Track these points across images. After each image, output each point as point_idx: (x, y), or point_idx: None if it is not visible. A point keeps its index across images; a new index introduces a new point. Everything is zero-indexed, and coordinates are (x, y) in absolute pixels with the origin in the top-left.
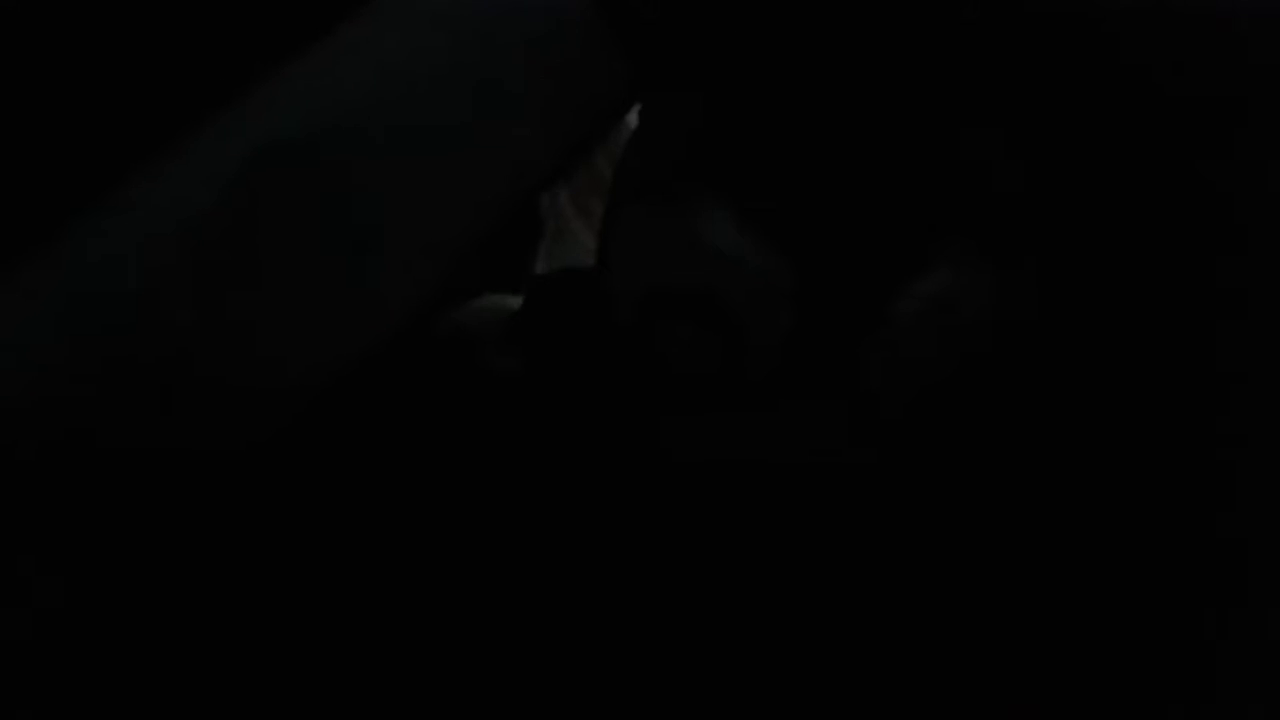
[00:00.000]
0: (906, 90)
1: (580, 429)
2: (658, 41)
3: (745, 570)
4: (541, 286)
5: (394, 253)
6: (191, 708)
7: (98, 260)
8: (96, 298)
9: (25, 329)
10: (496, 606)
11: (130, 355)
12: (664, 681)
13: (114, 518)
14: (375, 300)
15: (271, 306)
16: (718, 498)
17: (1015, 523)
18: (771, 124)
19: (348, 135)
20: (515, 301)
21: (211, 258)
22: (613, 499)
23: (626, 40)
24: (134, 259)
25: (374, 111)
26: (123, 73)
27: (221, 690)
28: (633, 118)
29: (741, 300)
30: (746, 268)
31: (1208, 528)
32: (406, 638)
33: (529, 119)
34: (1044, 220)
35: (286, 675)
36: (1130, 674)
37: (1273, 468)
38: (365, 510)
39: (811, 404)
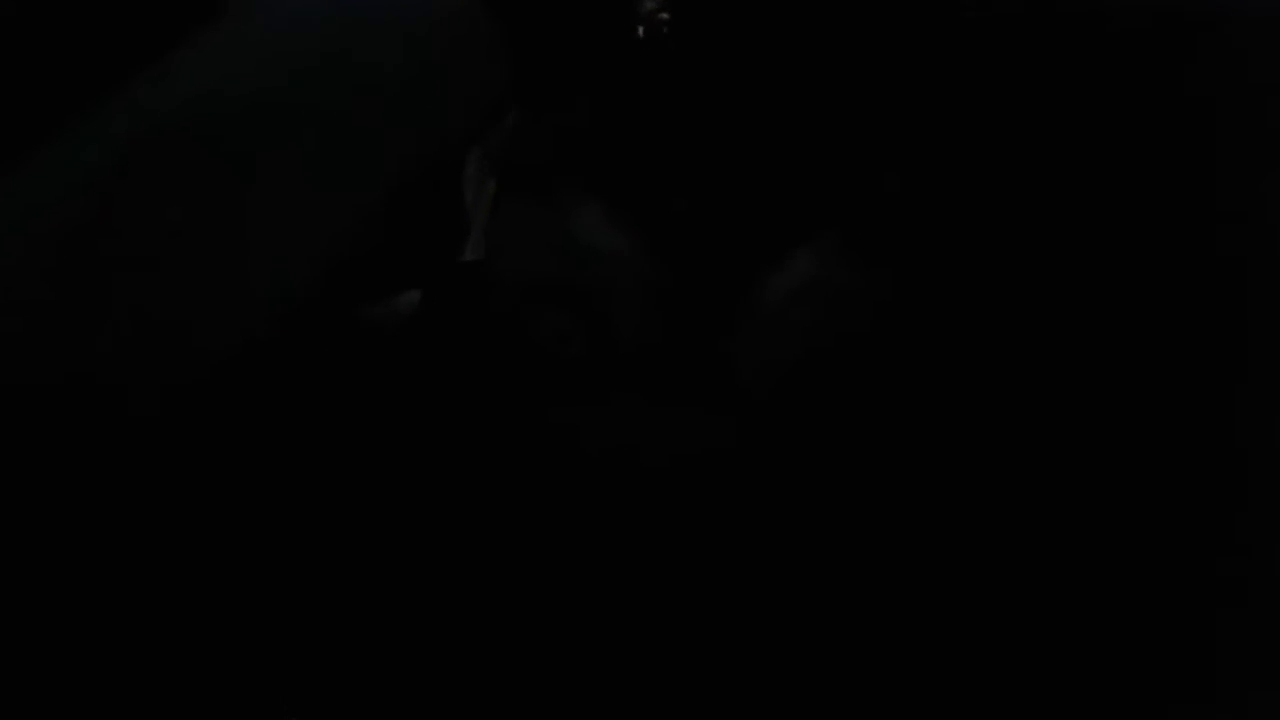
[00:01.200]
0: (778, 93)
1: (469, 417)
2: (538, 37)
3: (621, 550)
4: (436, 279)
5: (267, 243)
6: None
7: None
8: None
9: None
10: (381, 592)
11: None
12: (531, 659)
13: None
14: (247, 290)
15: (141, 297)
16: (595, 481)
17: (881, 504)
18: (641, 121)
19: (221, 123)
20: None
21: (83, 246)
22: (499, 485)
23: (508, 36)
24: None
25: (250, 101)
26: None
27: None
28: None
29: (606, 290)
30: (612, 259)
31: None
32: (295, 625)
33: (408, 113)
34: (917, 219)
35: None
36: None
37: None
38: (255, 500)
39: (680, 390)
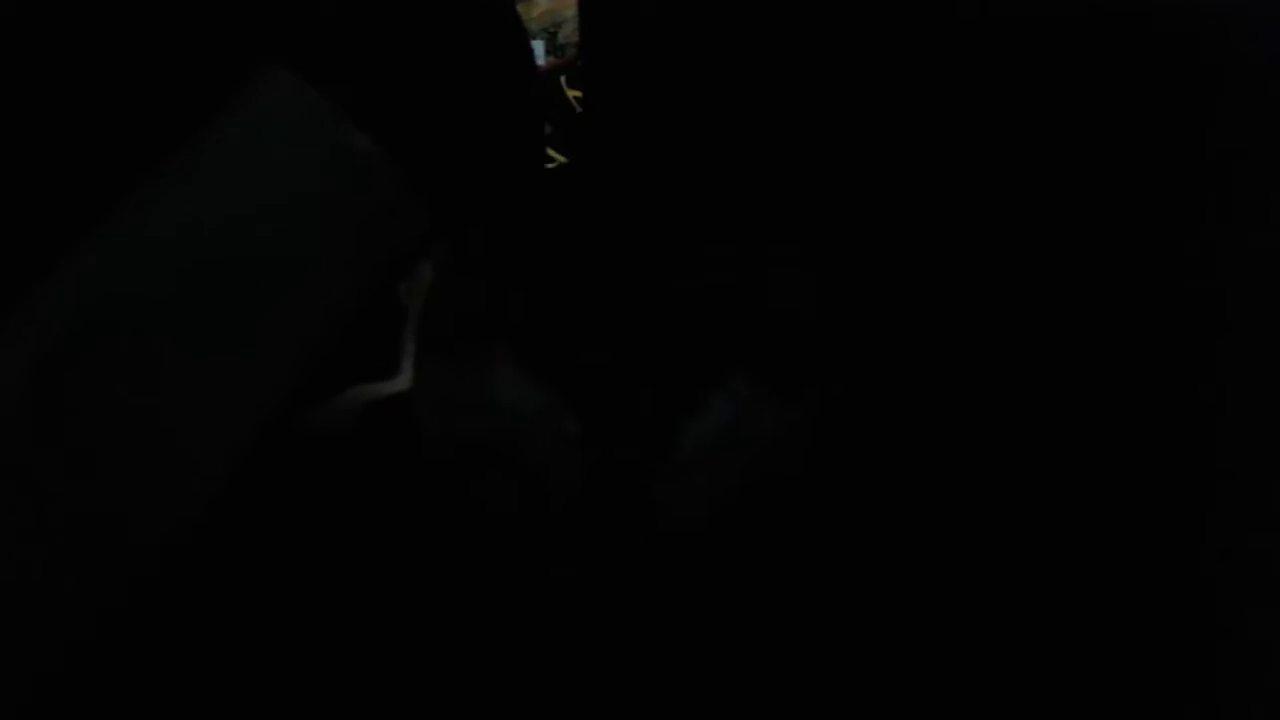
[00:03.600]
0: (679, 238)
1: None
2: (454, 194)
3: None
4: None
5: (202, 413)
6: None
7: None
8: None
9: None
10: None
11: None
12: None
13: None
14: (187, 465)
15: (83, 489)
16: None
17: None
18: (551, 277)
19: (150, 306)
20: (380, 389)
21: (20, 437)
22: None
23: (424, 192)
24: None
25: (177, 276)
26: None
27: None
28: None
29: (531, 449)
30: (532, 419)
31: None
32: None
33: (329, 268)
34: (832, 351)
35: None
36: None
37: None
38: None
39: (611, 533)
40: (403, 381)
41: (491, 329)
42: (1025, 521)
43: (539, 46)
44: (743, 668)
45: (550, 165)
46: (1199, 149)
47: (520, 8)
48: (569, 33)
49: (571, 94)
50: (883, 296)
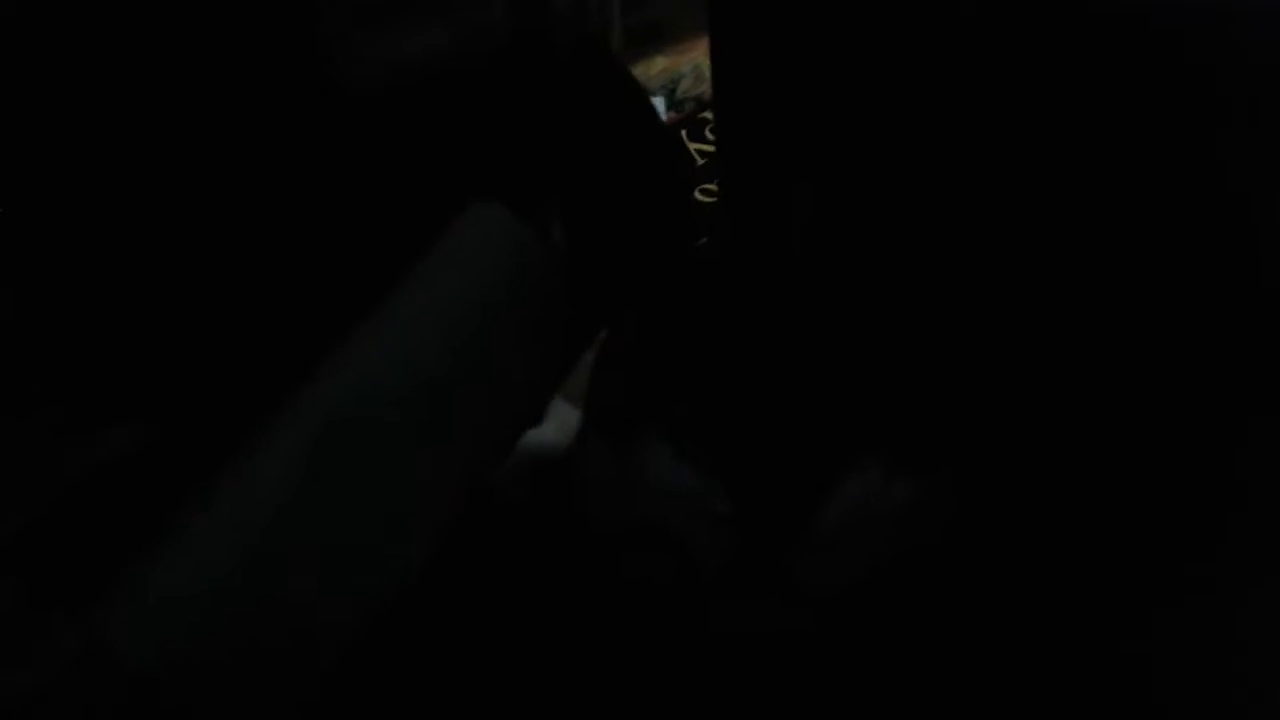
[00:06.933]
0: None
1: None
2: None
3: None
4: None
5: (426, 497)
6: None
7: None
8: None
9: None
10: None
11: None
12: None
13: None
14: (416, 534)
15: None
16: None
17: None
18: (703, 364)
19: (388, 408)
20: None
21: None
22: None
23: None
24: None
25: (408, 387)
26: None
27: None
28: None
29: (684, 527)
30: (686, 499)
31: None
32: None
33: (520, 376)
34: (961, 432)
35: None
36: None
37: None
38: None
39: (756, 606)
40: (550, 430)
41: (650, 413)
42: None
43: (660, 103)
44: None
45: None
46: (1199, 149)
47: (640, 66)
48: (686, 88)
49: (694, 147)
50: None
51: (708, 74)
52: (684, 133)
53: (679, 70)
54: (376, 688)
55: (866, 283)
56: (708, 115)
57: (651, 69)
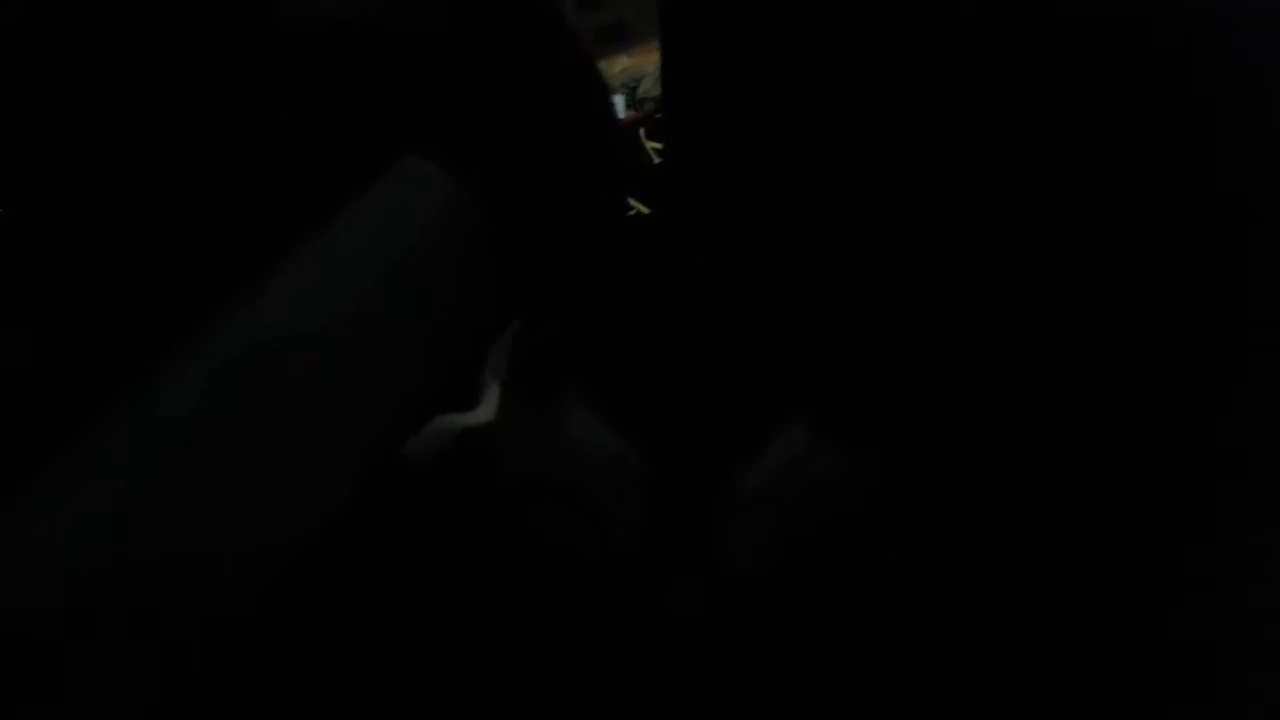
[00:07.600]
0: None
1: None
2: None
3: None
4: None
5: (334, 433)
6: None
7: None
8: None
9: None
10: None
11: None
12: None
13: None
14: (319, 474)
15: (252, 482)
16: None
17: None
18: (626, 325)
19: (299, 341)
20: (463, 420)
21: (203, 445)
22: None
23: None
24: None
25: (328, 322)
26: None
27: None
28: None
29: (597, 487)
30: (604, 458)
31: None
32: None
33: (442, 319)
34: (889, 402)
35: None
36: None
37: None
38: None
39: (674, 570)
40: (483, 414)
41: (568, 373)
42: (1097, 564)
43: (619, 101)
44: (797, 707)
45: (631, 215)
46: (1198, 149)
47: (602, 64)
48: (647, 87)
49: (651, 146)
50: (942, 340)
51: None
52: (642, 131)
53: (642, 70)
54: (283, 648)
55: (798, 255)
56: None
57: (614, 67)
